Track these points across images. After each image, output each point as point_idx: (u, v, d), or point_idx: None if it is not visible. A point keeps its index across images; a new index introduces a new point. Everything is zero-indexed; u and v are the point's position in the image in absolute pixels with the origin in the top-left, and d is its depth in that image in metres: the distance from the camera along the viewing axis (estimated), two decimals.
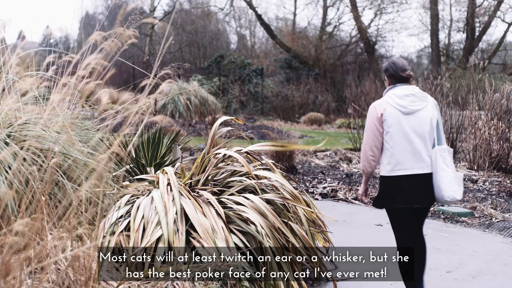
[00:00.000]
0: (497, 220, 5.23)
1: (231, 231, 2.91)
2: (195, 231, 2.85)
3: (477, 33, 25.57)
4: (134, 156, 4.19)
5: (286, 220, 3.11)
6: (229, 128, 3.88)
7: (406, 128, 3.10)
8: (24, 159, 2.39)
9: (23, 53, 2.93)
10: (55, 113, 2.95)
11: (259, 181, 3.31)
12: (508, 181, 7.30)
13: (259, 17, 26.96)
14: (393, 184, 3.08)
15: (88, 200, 2.13)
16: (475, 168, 8.31)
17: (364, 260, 3.86)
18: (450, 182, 3.07)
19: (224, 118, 3.81)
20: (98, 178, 2.04)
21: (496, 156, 8.11)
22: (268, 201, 3.10)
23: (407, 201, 3.07)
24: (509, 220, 5.24)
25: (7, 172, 2.29)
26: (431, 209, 5.66)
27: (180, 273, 2.52)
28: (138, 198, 3.11)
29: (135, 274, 2.52)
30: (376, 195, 3.17)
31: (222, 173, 3.49)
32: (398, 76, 3.18)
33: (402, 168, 3.07)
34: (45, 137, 2.61)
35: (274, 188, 3.30)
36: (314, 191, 6.50)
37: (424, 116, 3.13)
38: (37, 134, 2.61)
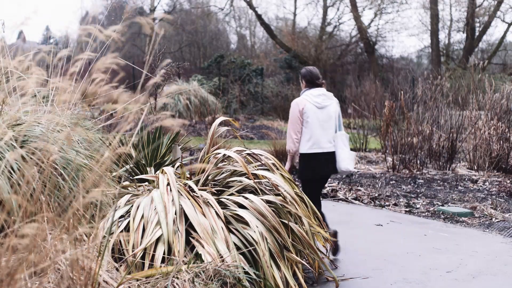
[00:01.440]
0: (497, 220, 5.23)
1: (230, 231, 2.91)
2: (195, 231, 2.85)
3: (477, 33, 25.56)
4: (134, 156, 4.19)
5: (286, 221, 3.11)
6: (228, 128, 3.88)
7: (319, 118, 4.19)
8: (26, 160, 2.39)
9: (24, 55, 2.93)
10: (56, 114, 2.95)
11: (258, 181, 3.31)
12: (508, 181, 7.30)
13: (259, 17, 26.95)
14: (310, 158, 4.11)
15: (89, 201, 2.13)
16: (475, 168, 8.31)
17: (364, 260, 3.86)
18: (346, 158, 4.19)
19: (222, 118, 3.81)
20: (99, 179, 2.04)
21: (496, 156, 8.11)
22: (268, 201, 3.10)
23: (319, 171, 4.11)
24: (509, 220, 5.24)
25: (10, 173, 2.29)
26: (431, 209, 5.67)
27: (180, 273, 2.52)
28: (138, 198, 3.11)
29: (135, 274, 2.52)
30: (299, 169, 4.17)
31: (222, 173, 3.49)
32: (314, 82, 4.28)
33: (316, 147, 4.14)
34: (46, 138, 2.61)
35: (274, 188, 3.30)
36: None
37: (331, 110, 4.25)
38: (38, 135, 2.61)
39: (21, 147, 2.41)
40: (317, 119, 4.16)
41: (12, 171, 2.30)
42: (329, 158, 4.16)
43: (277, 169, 3.49)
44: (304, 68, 4.36)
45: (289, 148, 4.09)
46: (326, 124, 4.20)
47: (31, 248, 1.64)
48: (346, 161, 4.18)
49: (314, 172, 4.10)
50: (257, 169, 3.43)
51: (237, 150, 3.58)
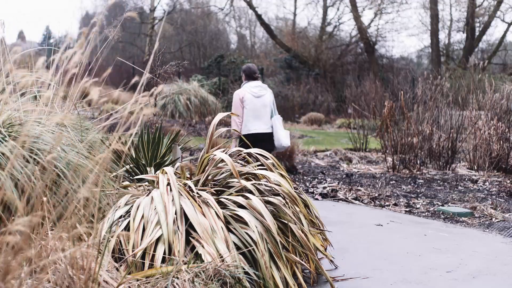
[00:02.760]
0: (497, 220, 5.23)
1: (230, 231, 2.91)
2: (195, 231, 2.85)
3: (477, 33, 25.56)
4: (134, 156, 4.19)
5: (285, 221, 3.11)
6: (228, 128, 3.88)
7: (257, 106, 5.25)
8: (27, 161, 2.39)
9: (22, 52, 2.92)
10: (54, 113, 2.95)
11: (258, 182, 3.31)
12: (508, 181, 7.30)
13: (259, 17, 26.95)
14: (250, 138, 4.83)
15: (88, 200, 2.13)
16: (475, 168, 8.31)
17: (364, 260, 3.86)
18: (283, 137, 5.24)
19: (221, 115, 3.81)
20: (97, 178, 2.04)
21: (496, 156, 8.11)
22: (267, 201, 3.10)
23: (258, 148, 4.60)
24: (509, 220, 5.24)
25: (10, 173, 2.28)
26: (431, 209, 5.67)
27: (180, 273, 2.52)
28: (138, 198, 3.10)
29: (135, 274, 2.52)
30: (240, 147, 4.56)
31: (222, 173, 3.49)
32: (251, 76, 5.38)
33: (256, 129, 5.14)
34: (43, 137, 2.61)
35: (273, 189, 3.30)
36: (314, 191, 6.50)
37: (266, 99, 5.35)
38: (36, 134, 2.61)
39: (22, 146, 2.41)
40: (254, 106, 5.25)
41: (13, 171, 2.30)
42: (266, 137, 5.24)
43: (276, 169, 3.49)
44: (245, 65, 5.47)
45: (234, 130, 4.69)
46: (262, 110, 5.27)
47: (25, 244, 1.64)
48: (283, 139, 5.27)
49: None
50: (257, 169, 3.43)
51: (237, 151, 3.58)
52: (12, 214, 2.17)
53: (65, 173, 2.50)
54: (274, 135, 5.28)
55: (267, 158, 3.56)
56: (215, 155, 3.40)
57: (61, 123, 2.77)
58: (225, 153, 3.45)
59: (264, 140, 5.13)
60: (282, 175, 3.43)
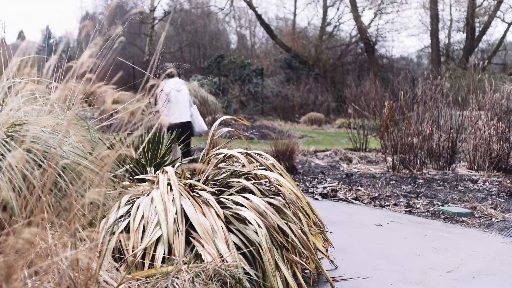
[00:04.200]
0: (497, 220, 5.23)
1: (230, 231, 2.91)
2: (195, 231, 2.85)
3: (477, 33, 25.57)
4: (133, 156, 4.19)
5: (286, 221, 3.11)
6: (229, 128, 3.88)
7: (179, 98, 6.25)
8: (29, 163, 2.39)
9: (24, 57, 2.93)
10: (55, 114, 2.95)
11: (258, 181, 3.31)
12: (508, 181, 7.30)
13: (259, 17, 26.95)
14: (173, 126, 5.55)
15: (91, 203, 2.13)
16: (475, 168, 8.31)
17: (364, 260, 3.86)
18: (200, 123, 6.46)
19: (224, 117, 3.82)
20: (100, 179, 2.04)
21: (496, 156, 8.11)
22: (268, 201, 3.10)
23: (181, 134, 5.19)
24: (509, 220, 5.25)
25: (10, 173, 2.29)
26: (431, 209, 5.67)
27: (180, 273, 2.52)
28: (138, 198, 3.11)
29: (135, 274, 2.52)
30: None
31: (223, 173, 3.49)
32: (170, 74, 6.31)
33: (178, 118, 6.12)
34: (45, 138, 2.61)
35: (273, 189, 3.30)
36: (314, 191, 6.50)
37: (185, 93, 6.44)
38: (38, 135, 2.61)
39: (26, 149, 2.41)
40: (176, 99, 6.20)
41: (11, 171, 2.30)
42: (187, 125, 6.28)
43: (276, 169, 3.49)
44: (164, 65, 6.32)
45: (163, 120, 5.51)
46: (183, 102, 6.29)
47: (29, 247, 1.64)
48: (202, 124, 6.51)
49: (179, 135, 5.27)
50: (257, 169, 3.43)
51: (237, 151, 3.57)
52: (11, 216, 2.17)
53: (67, 175, 2.50)
54: (194, 121, 6.47)
55: (267, 159, 3.56)
56: (220, 153, 3.40)
57: (60, 123, 2.77)
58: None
59: (186, 127, 6.14)
60: (281, 176, 3.43)
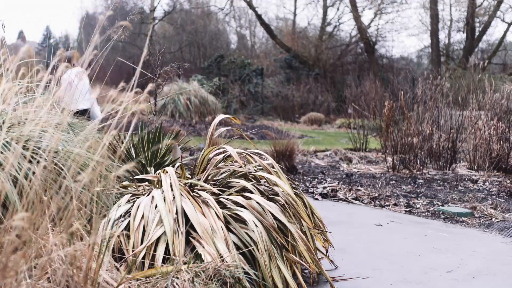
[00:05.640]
0: (497, 220, 5.23)
1: (230, 231, 2.91)
2: (195, 231, 2.85)
3: (477, 33, 25.58)
4: (134, 156, 4.19)
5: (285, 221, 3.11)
6: (229, 127, 3.87)
7: (78, 87, 6.03)
8: (29, 161, 2.39)
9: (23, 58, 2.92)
10: (53, 112, 2.95)
11: (257, 182, 3.31)
12: (508, 181, 7.30)
13: (259, 17, 26.96)
14: (77, 113, 5.65)
15: (88, 199, 2.13)
16: (475, 168, 8.31)
17: (364, 260, 3.86)
18: (96, 112, 6.79)
19: (222, 116, 3.81)
20: (98, 176, 2.04)
21: (496, 156, 8.11)
22: (267, 201, 3.10)
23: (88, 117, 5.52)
24: (509, 220, 5.25)
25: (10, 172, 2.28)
26: (431, 209, 5.66)
27: (180, 273, 2.52)
28: (138, 197, 3.11)
29: (135, 274, 2.52)
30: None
31: (222, 173, 3.49)
32: (73, 64, 6.73)
33: (83, 106, 6.40)
34: (43, 136, 2.61)
35: (272, 189, 3.30)
36: (314, 191, 6.50)
37: (86, 82, 6.41)
38: (37, 134, 2.61)
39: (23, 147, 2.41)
40: (77, 87, 6.47)
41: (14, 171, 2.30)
42: (84, 112, 6.45)
43: (275, 170, 3.49)
44: (66, 54, 6.62)
45: (73, 108, 6.12)
46: (83, 90, 6.42)
47: (24, 242, 1.64)
48: (95, 113, 6.84)
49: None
50: (256, 170, 3.43)
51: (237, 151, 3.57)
52: (11, 213, 2.17)
53: (64, 168, 2.50)
54: (91, 109, 6.97)
55: (265, 159, 3.56)
56: (219, 153, 3.40)
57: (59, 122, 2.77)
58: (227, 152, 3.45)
59: (83, 114, 6.60)
60: (279, 176, 3.43)
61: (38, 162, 2.27)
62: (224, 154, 3.48)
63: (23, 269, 1.73)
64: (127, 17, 3.56)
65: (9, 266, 1.61)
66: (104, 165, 2.01)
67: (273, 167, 3.47)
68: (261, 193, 3.17)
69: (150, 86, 2.05)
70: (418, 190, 6.67)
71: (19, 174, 2.28)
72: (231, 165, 3.50)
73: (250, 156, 3.52)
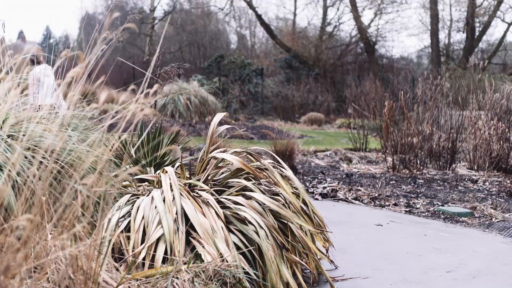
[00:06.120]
0: (497, 220, 5.23)
1: (230, 231, 2.91)
2: (195, 231, 2.85)
3: (477, 33, 25.58)
4: (134, 156, 4.19)
5: (285, 221, 3.11)
6: (228, 126, 3.87)
7: (45, 83, 6.14)
8: (29, 161, 2.39)
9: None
10: (53, 112, 2.95)
11: (258, 181, 3.31)
12: (508, 181, 7.30)
13: (259, 17, 26.96)
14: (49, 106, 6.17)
15: (89, 199, 2.13)
16: (475, 168, 8.31)
17: (364, 260, 3.86)
18: (64, 107, 6.49)
19: (221, 115, 3.80)
20: (99, 176, 2.04)
21: (496, 156, 8.11)
22: (268, 200, 3.10)
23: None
24: (509, 220, 5.25)
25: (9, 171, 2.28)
26: (431, 209, 5.66)
27: (180, 273, 2.52)
28: (138, 198, 3.11)
29: (135, 274, 2.52)
30: None
31: (222, 173, 3.49)
32: (39, 62, 6.97)
33: (42, 101, 5.89)
34: (44, 135, 2.61)
35: (273, 189, 3.30)
36: (314, 191, 6.50)
37: (52, 78, 6.01)
38: (38, 133, 2.61)
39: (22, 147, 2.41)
40: (43, 83, 6.45)
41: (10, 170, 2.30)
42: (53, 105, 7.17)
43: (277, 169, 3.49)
44: (33, 55, 6.93)
45: (46, 103, 6.06)
46: (49, 86, 6.44)
47: (28, 243, 1.64)
48: (65, 107, 7.33)
49: None
50: (256, 170, 3.43)
51: (235, 151, 3.57)
52: (10, 214, 2.17)
53: (66, 169, 2.50)
54: (58, 105, 7.49)
55: (266, 159, 3.55)
56: (218, 155, 3.39)
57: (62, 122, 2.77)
58: (226, 152, 3.45)
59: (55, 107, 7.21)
60: (281, 176, 3.43)
61: (41, 162, 2.27)
62: (224, 154, 3.48)
63: (24, 270, 1.73)
64: (127, 16, 3.56)
65: (11, 267, 1.61)
66: (108, 166, 2.01)
67: (275, 167, 3.47)
68: (262, 192, 3.17)
69: (155, 87, 2.05)
70: (418, 190, 6.67)
71: (22, 173, 2.28)
72: (231, 165, 3.50)
73: (250, 155, 3.52)
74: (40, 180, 1.96)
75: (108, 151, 2.00)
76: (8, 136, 2.62)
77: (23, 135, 2.52)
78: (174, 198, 2.97)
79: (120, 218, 2.92)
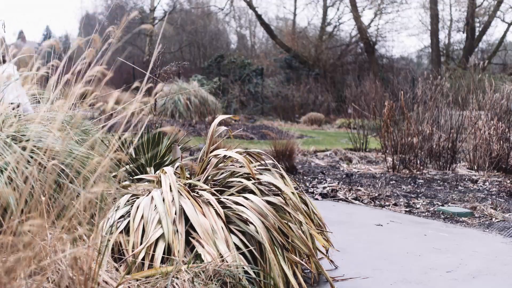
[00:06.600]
0: (497, 220, 5.23)
1: (231, 231, 2.91)
2: (195, 231, 2.85)
3: (477, 33, 25.58)
4: (133, 156, 4.19)
5: (286, 221, 3.11)
6: (229, 127, 3.87)
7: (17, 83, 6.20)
8: (29, 162, 2.39)
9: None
10: (54, 113, 2.95)
11: (258, 181, 3.31)
12: (508, 181, 7.30)
13: (259, 17, 26.97)
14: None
15: (89, 200, 2.13)
16: (475, 168, 8.31)
17: (364, 260, 3.86)
18: (29, 105, 5.96)
19: (222, 116, 3.81)
20: (101, 178, 2.04)
21: (496, 156, 8.11)
22: (268, 201, 3.10)
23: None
24: (509, 220, 5.25)
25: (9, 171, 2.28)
26: (431, 209, 5.66)
27: (180, 273, 2.52)
28: (137, 198, 3.10)
29: (135, 274, 2.52)
30: None
31: (222, 173, 3.48)
32: (4, 61, 6.33)
33: (14, 100, 5.60)
34: (45, 136, 2.61)
35: (273, 189, 3.30)
36: (314, 191, 6.50)
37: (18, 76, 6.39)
38: (38, 134, 2.61)
39: (22, 148, 2.41)
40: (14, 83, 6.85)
41: (11, 170, 2.30)
42: (17, 106, 6.94)
43: (276, 169, 3.49)
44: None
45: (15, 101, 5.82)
46: (13, 85, 6.83)
47: (30, 245, 1.64)
48: (29, 107, 6.51)
49: None
50: (257, 169, 3.43)
51: (237, 151, 3.57)
52: (10, 215, 2.17)
53: (67, 172, 2.50)
54: (22, 103, 7.53)
55: (267, 159, 3.55)
56: (218, 154, 3.39)
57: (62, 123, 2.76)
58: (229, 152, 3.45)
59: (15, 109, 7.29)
60: (282, 176, 3.43)
61: (40, 163, 2.27)
62: (224, 154, 3.48)
63: (25, 271, 1.73)
64: (127, 15, 3.55)
65: (13, 268, 1.61)
66: (108, 167, 2.01)
67: (274, 166, 3.47)
68: (262, 192, 3.17)
69: (159, 87, 2.05)
70: (418, 190, 6.67)
71: (23, 174, 2.28)
72: (231, 165, 3.50)
73: (251, 156, 3.52)
74: (40, 180, 1.96)
75: (111, 152, 2.00)
76: (8, 136, 2.62)
77: (23, 135, 2.52)
78: (173, 198, 2.97)
79: (119, 218, 2.92)
